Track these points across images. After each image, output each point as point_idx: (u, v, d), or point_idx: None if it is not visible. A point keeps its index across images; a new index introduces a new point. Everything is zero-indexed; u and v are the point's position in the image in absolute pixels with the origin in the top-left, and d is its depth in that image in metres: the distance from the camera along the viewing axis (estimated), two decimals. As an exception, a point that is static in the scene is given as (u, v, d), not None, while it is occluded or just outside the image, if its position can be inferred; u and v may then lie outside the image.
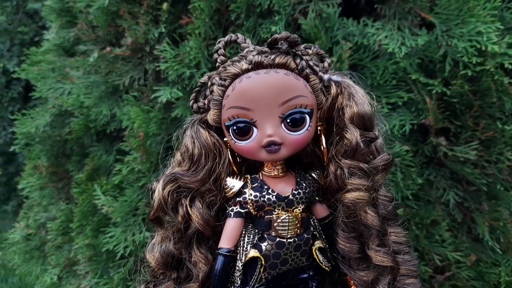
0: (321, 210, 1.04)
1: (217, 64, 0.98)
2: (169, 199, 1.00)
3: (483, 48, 1.62)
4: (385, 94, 1.76)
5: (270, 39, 0.92)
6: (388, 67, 1.73)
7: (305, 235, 1.00)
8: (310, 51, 0.96)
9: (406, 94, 1.73)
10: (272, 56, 0.90)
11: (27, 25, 6.09)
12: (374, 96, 0.99)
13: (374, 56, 1.78)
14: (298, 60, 0.92)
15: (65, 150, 2.33)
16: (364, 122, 0.95)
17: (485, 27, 1.62)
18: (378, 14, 1.84)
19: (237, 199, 0.99)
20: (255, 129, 0.92)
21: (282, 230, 0.97)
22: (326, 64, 0.99)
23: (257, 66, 0.90)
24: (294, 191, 0.98)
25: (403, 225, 1.04)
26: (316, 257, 1.01)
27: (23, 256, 2.48)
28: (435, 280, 1.75)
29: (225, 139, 0.99)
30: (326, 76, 0.95)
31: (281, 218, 0.97)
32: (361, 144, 0.93)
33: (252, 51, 0.94)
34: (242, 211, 0.99)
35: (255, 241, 0.99)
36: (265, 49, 0.93)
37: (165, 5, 1.88)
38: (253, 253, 0.97)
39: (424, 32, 1.73)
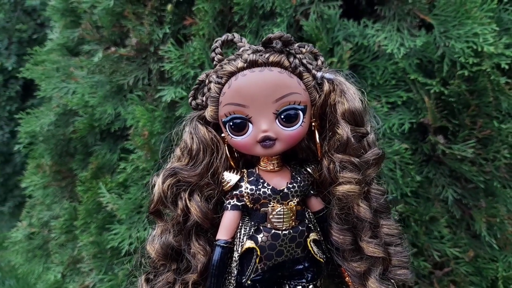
0: (316, 203, 1.07)
1: (214, 63, 1.01)
2: (169, 192, 1.03)
3: (480, 49, 1.64)
4: (385, 94, 1.78)
5: (264, 39, 0.95)
6: (387, 67, 1.75)
7: (300, 227, 1.03)
8: (303, 50, 0.99)
9: (405, 94, 1.75)
10: (267, 55, 0.94)
11: (26, 23, 6.04)
12: (365, 93, 1.01)
13: (374, 56, 1.80)
14: (291, 59, 0.95)
15: (68, 149, 2.34)
16: (355, 118, 0.98)
17: (481, 29, 1.64)
18: (378, 15, 1.85)
19: (234, 192, 1.03)
20: (250, 125, 0.95)
21: (277, 222, 1.00)
22: (319, 62, 1.02)
23: (252, 64, 0.93)
24: (289, 185, 1.02)
25: (400, 219, 1.07)
26: (310, 248, 1.04)
27: (26, 255, 2.50)
28: (434, 276, 1.77)
29: (222, 134, 1.02)
30: (319, 74, 0.98)
31: (276, 210, 1.00)
32: (352, 139, 0.96)
33: (247, 50, 0.97)
34: (239, 204, 1.02)
35: (251, 233, 1.02)
36: (260, 48, 0.97)
37: (169, 7, 1.91)
38: (249, 244, 1.01)
39: (423, 33, 1.75)
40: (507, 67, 1.67)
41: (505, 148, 1.71)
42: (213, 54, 1.02)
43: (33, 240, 2.47)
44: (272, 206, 1.00)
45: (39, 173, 2.38)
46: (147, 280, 1.08)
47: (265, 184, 1.01)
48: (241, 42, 1.02)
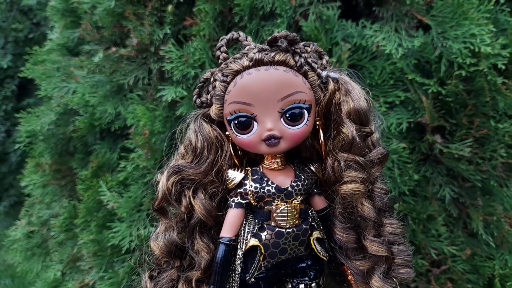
0: (319, 202, 1.07)
1: (219, 61, 1.01)
2: (173, 190, 1.03)
3: (477, 50, 1.66)
4: (383, 94, 1.79)
5: (270, 37, 0.95)
6: (385, 67, 1.77)
7: (304, 226, 1.03)
8: (309, 49, 0.99)
9: (403, 94, 1.77)
10: (272, 54, 0.94)
11: (22, 22, 6.03)
12: (370, 92, 1.02)
13: (372, 56, 1.81)
14: (297, 58, 0.95)
15: (68, 148, 2.35)
16: (360, 117, 0.97)
17: (478, 30, 1.66)
18: (376, 16, 1.87)
19: (238, 190, 1.03)
20: (255, 123, 0.95)
21: (281, 220, 1.01)
22: (324, 61, 1.02)
23: (257, 63, 0.94)
24: (293, 183, 1.02)
25: (399, 217, 1.08)
26: (314, 247, 1.04)
27: (24, 253, 2.50)
28: (432, 273, 1.78)
29: (227, 132, 1.02)
30: (324, 73, 0.98)
31: (280, 208, 1.00)
32: (357, 138, 0.96)
33: (253, 48, 0.97)
34: (243, 201, 1.02)
35: (255, 231, 1.02)
36: (266, 46, 0.97)
37: (170, 7, 1.92)
38: (253, 242, 1.01)
39: (420, 34, 1.77)
40: (503, 67, 1.69)
41: (502, 147, 1.73)
42: (218, 52, 1.02)
43: (32, 238, 2.47)
44: (276, 204, 1.01)
45: (38, 172, 2.38)
46: (151, 277, 1.08)
47: (269, 183, 1.01)
48: (246, 40, 1.03)
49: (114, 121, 2.08)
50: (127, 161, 1.97)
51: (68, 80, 2.21)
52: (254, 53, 0.95)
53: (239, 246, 1.03)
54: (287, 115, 0.95)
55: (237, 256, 1.03)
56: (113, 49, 2.04)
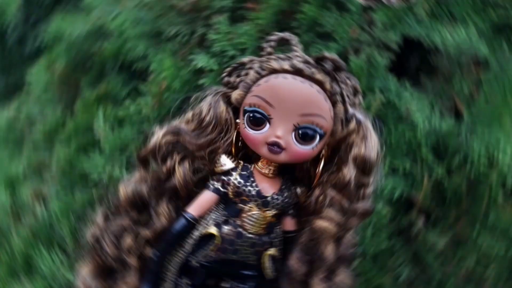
0: (289, 223, 1.07)
1: (263, 53, 1.02)
2: (164, 148, 1.03)
3: (494, 157, 1.66)
4: (392, 156, 1.79)
5: (319, 54, 0.96)
6: (405, 133, 1.77)
7: (264, 239, 1.03)
8: (349, 82, 1.00)
9: (409, 164, 1.76)
10: (314, 70, 0.94)
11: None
12: (384, 148, 1.02)
13: (398, 117, 1.81)
14: (334, 85, 0.95)
15: (85, 63, 2.33)
16: (364, 166, 0.98)
17: (504, 137, 1.66)
18: (419, 81, 1.87)
19: (222, 177, 1.03)
20: (268, 124, 0.96)
21: (248, 223, 1.01)
22: (357, 100, 1.03)
23: (297, 72, 0.94)
24: (274, 195, 1.02)
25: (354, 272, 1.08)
26: (264, 261, 1.04)
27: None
28: None
29: (237, 120, 1.02)
30: (351, 111, 0.99)
31: (252, 212, 1.01)
32: (352, 184, 0.97)
33: (298, 57, 0.98)
34: (222, 190, 1.03)
35: (219, 221, 1.03)
36: (311, 61, 0.97)
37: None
38: (213, 230, 1.01)
39: (452, 120, 1.76)
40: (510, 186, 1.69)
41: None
42: (266, 45, 1.03)
43: (13, 133, 2.46)
44: (250, 207, 1.01)
45: (47, 73, 2.37)
46: (106, 217, 1.09)
47: (254, 184, 1.02)
48: (296, 46, 1.03)
49: (139, 60, 2.07)
50: (133, 102, 1.97)
51: (115, 4, 2.20)
52: (297, 61, 0.95)
53: (198, 228, 1.03)
54: (300, 132, 0.95)
55: (193, 236, 1.03)
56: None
